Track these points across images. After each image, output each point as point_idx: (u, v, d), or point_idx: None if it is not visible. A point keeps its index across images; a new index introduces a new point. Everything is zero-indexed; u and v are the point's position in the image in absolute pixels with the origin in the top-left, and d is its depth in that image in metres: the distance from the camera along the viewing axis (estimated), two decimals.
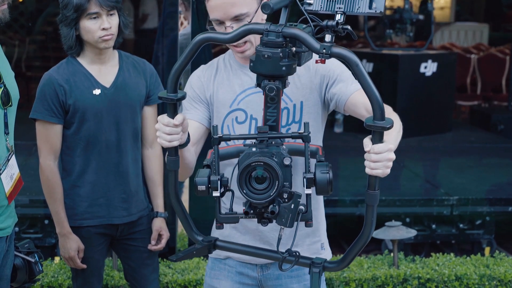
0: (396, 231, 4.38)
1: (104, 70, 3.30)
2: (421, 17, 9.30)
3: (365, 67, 8.49)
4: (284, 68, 1.86)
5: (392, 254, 4.49)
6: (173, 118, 2.06)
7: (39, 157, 3.30)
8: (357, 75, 1.82)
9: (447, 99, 8.79)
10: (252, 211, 1.93)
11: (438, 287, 4.26)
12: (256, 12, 2.40)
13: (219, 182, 1.93)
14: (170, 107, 2.04)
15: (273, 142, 1.95)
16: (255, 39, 2.41)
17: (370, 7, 1.82)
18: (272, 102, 2.02)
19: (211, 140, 2.01)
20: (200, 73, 2.61)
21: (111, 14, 3.19)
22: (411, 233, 4.45)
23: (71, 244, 3.32)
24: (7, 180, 2.70)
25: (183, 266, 4.26)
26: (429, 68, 8.50)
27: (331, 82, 2.46)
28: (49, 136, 3.27)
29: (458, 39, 14.67)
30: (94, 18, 3.16)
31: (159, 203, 3.49)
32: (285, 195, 1.89)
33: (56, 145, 3.29)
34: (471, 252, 5.34)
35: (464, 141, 8.28)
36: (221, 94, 2.54)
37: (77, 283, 3.46)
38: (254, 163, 1.83)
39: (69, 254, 3.32)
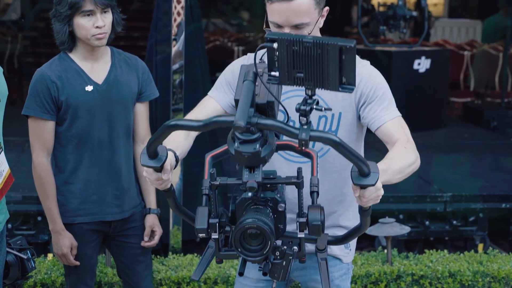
0: (390, 228, 4.38)
1: (97, 67, 3.29)
2: (414, 13, 9.29)
3: None
4: (266, 157, 1.84)
5: (385, 251, 4.49)
6: (160, 171, 2.06)
7: (31, 153, 3.29)
8: (342, 153, 1.82)
9: (440, 96, 8.80)
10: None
11: (432, 284, 4.26)
12: (316, 22, 2.39)
13: (217, 225, 1.95)
14: (156, 168, 2.05)
15: (268, 186, 1.95)
16: None
17: (340, 82, 1.78)
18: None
19: (210, 186, 2.00)
20: (247, 63, 2.55)
21: (105, 12, 3.18)
22: (405, 229, 4.45)
23: (64, 241, 3.31)
24: None
25: (177, 263, 4.25)
26: (422, 64, 8.50)
27: (369, 100, 2.45)
28: (42, 133, 3.26)
29: (451, 35, 14.68)
30: (88, 15, 3.15)
31: (151, 200, 3.49)
32: (277, 253, 1.95)
33: (49, 142, 3.28)
34: (464, 249, 5.35)
35: (457, 138, 8.29)
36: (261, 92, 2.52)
37: (70, 280, 3.45)
38: (248, 226, 1.85)
39: (62, 251, 3.31)
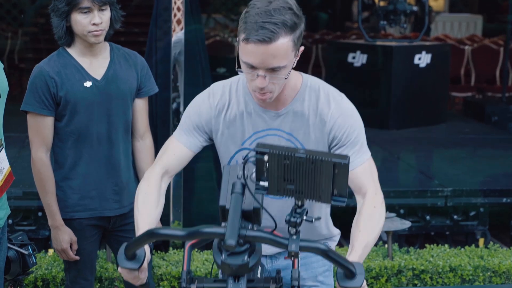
0: (390, 223, 4.38)
1: (95, 63, 3.28)
2: (415, 8, 9.28)
3: (360, 58, 8.51)
4: (253, 265, 1.81)
5: (386, 246, 4.49)
6: (137, 270, 2.03)
7: (31, 149, 3.28)
8: (329, 259, 1.82)
9: (441, 91, 8.79)
10: None
11: (433, 279, 4.26)
12: (293, 64, 2.29)
13: None
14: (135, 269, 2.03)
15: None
16: (281, 84, 2.29)
17: (332, 194, 1.77)
18: None
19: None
20: (212, 103, 2.45)
21: (102, 9, 3.18)
22: (405, 224, 4.45)
23: (64, 236, 3.31)
24: None
25: (177, 258, 4.25)
26: (423, 59, 8.49)
27: (340, 144, 2.39)
28: (41, 129, 3.25)
29: (452, 30, 14.67)
30: (85, 12, 3.14)
31: None
32: None
33: (48, 138, 3.27)
34: (465, 243, 5.35)
35: (458, 133, 8.28)
36: (231, 132, 2.45)
37: (70, 275, 3.45)
38: None
39: (62, 246, 3.31)
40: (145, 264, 2.03)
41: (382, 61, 8.49)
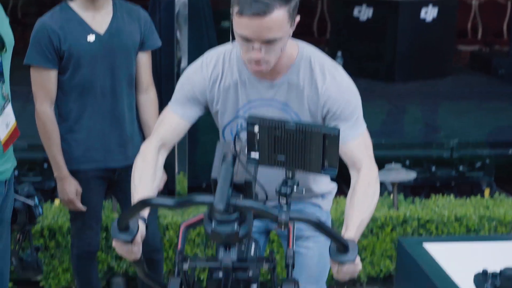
0: (396, 174, 4.38)
1: (98, 17, 3.27)
2: None
3: (365, 12, 8.43)
4: (243, 234, 1.79)
5: (391, 196, 4.50)
6: (131, 243, 2.02)
7: (35, 103, 3.29)
8: (320, 231, 1.80)
9: (447, 45, 8.72)
10: None
11: (438, 228, 4.27)
12: (289, 35, 2.26)
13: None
14: (127, 242, 2.02)
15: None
16: (277, 55, 2.25)
17: (323, 166, 1.77)
18: None
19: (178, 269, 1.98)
20: (206, 74, 2.42)
21: None
22: (411, 175, 4.45)
23: (70, 187, 3.32)
24: (2, 127, 2.69)
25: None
26: (429, 13, 8.41)
27: (334, 118, 2.36)
28: (44, 82, 3.25)
29: None
30: None
31: None
32: None
33: (52, 91, 3.27)
34: (470, 194, 5.34)
35: (465, 86, 8.24)
36: (226, 102, 2.43)
37: (76, 225, 3.47)
38: None
39: (68, 197, 3.33)
40: (138, 238, 2.02)
41: (388, 15, 8.40)
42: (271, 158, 1.80)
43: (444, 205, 4.41)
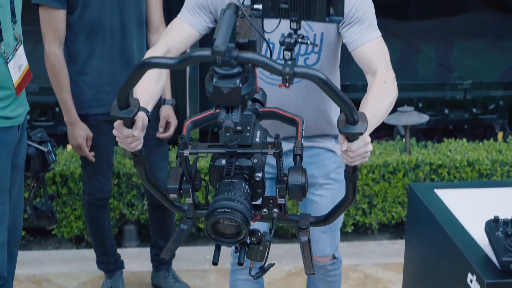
0: (408, 117, 4.35)
1: None
2: None
3: None
4: (246, 96, 1.70)
5: (404, 140, 4.48)
6: (131, 126, 1.94)
7: (44, 44, 3.26)
8: (325, 90, 1.70)
9: None
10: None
11: (450, 173, 4.26)
12: None
13: (191, 190, 1.85)
14: (127, 122, 1.93)
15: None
16: None
17: (328, 13, 1.66)
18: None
19: (179, 154, 1.86)
20: None
21: None
22: (424, 118, 4.42)
23: (79, 132, 3.32)
24: (14, 70, 2.67)
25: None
26: None
27: (348, 21, 2.33)
28: (53, 22, 3.22)
29: None
30: None
31: (166, 90, 3.45)
32: (254, 239, 1.85)
33: (61, 31, 3.24)
34: (483, 137, 5.31)
35: (479, 23, 8.11)
36: None
37: (86, 171, 3.47)
38: (220, 217, 1.74)
39: (77, 142, 3.32)
40: (140, 123, 1.95)
41: None
42: (275, 7, 1.71)
43: (456, 149, 4.39)
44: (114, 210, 4.08)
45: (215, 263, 1.86)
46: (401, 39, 7.18)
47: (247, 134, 1.87)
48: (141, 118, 1.97)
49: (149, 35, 3.41)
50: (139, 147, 1.98)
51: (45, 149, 3.05)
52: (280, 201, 1.85)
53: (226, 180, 1.79)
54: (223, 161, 1.81)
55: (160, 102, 3.45)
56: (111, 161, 3.53)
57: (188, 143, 1.85)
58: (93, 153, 3.37)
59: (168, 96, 3.46)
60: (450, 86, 5.58)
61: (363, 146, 1.87)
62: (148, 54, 2.35)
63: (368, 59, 2.28)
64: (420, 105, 5.48)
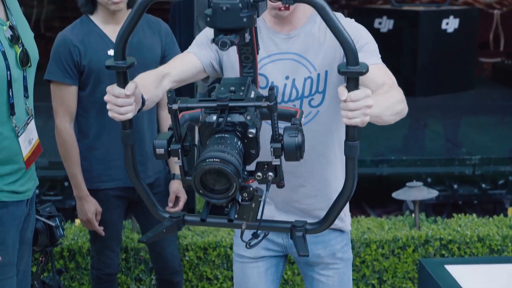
0: (418, 192, 4.33)
1: (118, 29, 3.25)
2: None
3: (386, 24, 8.40)
4: (245, 19, 1.68)
5: (413, 215, 4.45)
6: (123, 87, 1.91)
7: (55, 119, 3.27)
8: (325, 19, 1.69)
9: (469, 56, 8.67)
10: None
11: (460, 249, 4.22)
12: None
13: (180, 150, 1.78)
14: (120, 76, 1.90)
15: (237, 108, 1.77)
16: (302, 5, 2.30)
17: None
18: (247, 61, 1.92)
19: (168, 109, 1.81)
20: None
21: None
22: (433, 193, 4.40)
23: (89, 207, 3.31)
24: (25, 144, 2.68)
25: (203, 228, 4.24)
26: (450, 24, 8.37)
27: None
28: (64, 98, 3.24)
29: None
30: None
31: (175, 165, 3.46)
32: (245, 194, 1.76)
33: (72, 107, 3.26)
34: (493, 213, 5.28)
35: (487, 99, 8.18)
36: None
37: (95, 246, 3.45)
38: (208, 167, 1.65)
39: (87, 216, 3.31)
40: (133, 86, 1.91)
41: (409, 26, 8.37)
42: None
43: (466, 225, 4.36)
44: (121, 285, 4.04)
45: (203, 219, 1.77)
46: (408, 114, 7.20)
47: (241, 94, 1.79)
48: (135, 85, 1.93)
49: (159, 111, 3.43)
50: (129, 115, 1.92)
51: (53, 224, 3.04)
52: (275, 162, 1.77)
53: (217, 135, 1.72)
54: (214, 117, 1.74)
55: (170, 177, 3.45)
56: (120, 236, 3.51)
57: (178, 98, 1.79)
58: (102, 228, 3.36)
59: (177, 171, 3.47)
60: (458, 161, 5.59)
61: (364, 98, 1.80)
62: (148, 74, 2.30)
63: (374, 79, 2.23)
64: (429, 180, 5.48)
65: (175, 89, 2.18)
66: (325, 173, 2.53)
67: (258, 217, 1.81)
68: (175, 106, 1.77)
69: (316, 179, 2.52)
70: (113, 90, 1.92)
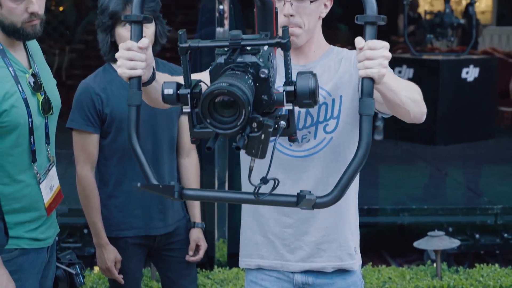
0: (439, 241, 4.30)
1: None
2: (462, 21, 9.17)
3: (406, 73, 8.42)
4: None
5: (435, 265, 4.41)
6: (137, 42, 1.89)
7: (76, 166, 3.28)
8: None
9: (489, 105, 8.66)
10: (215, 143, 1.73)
11: None
12: (320, 10, 2.37)
13: (189, 96, 1.73)
14: (135, 29, 1.87)
15: (248, 48, 1.72)
16: (308, 22, 2.35)
17: None
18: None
19: (179, 49, 1.75)
20: None
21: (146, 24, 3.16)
22: (455, 243, 4.36)
23: (108, 255, 3.29)
24: (46, 190, 2.69)
25: (222, 277, 4.23)
26: (470, 73, 8.38)
27: None
28: (86, 146, 3.25)
29: (500, 43, 14.47)
30: None
31: (196, 213, 3.45)
32: (255, 125, 1.65)
33: (93, 155, 3.27)
34: None
35: (507, 148, 8.14)
36: None
37: None
38: (217, 91, 1.59)
39: (106, 265, 3.30)
40: (147, 39, 1.89)
41: (429, 75, 8.38)
42: None
43: (489, 275, 4.31)
44: None
45: (209, 147, 1.71)
46: (429, 163, 7.20)
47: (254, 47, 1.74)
48: (149, 41, 1.91)
49: (179, 159, 3.43)
50: (138, 72, 1.89)
51: (73, 272, 3.03)
52: (287, 106, 1.71)
53: (227, 72, 1.67)
54: (224, 57, 1.69)
55: (190, 225, 3.44)
56: (139, 284, 3.49)
57: (189, 41, 1.75)
58: (121, 276, 3.34)
59: (197, 219, 3.46)
60: (480, 210, 5.55)
61: (382, 48, 1.79)
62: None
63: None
64: (451, 229, 5.44)
65: None
66: (336, 203, 2.49)
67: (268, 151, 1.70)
68: (185, 45, 1.74)
69: (328, 209, 2.47)
70: (125, 44, 1.90)
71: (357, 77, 2.37)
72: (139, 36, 1.90)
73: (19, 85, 2.59)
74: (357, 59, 1.81)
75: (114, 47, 3.21)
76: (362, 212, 5.43)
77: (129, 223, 3.31)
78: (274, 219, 2.49)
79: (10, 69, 2.59)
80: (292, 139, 1.76)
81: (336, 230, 2.48)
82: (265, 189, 1.72)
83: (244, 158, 2.51)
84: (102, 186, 3.32)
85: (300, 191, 1.78)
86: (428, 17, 9.22)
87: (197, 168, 3.47)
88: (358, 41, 1.80)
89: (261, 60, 1.69)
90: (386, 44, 1.80)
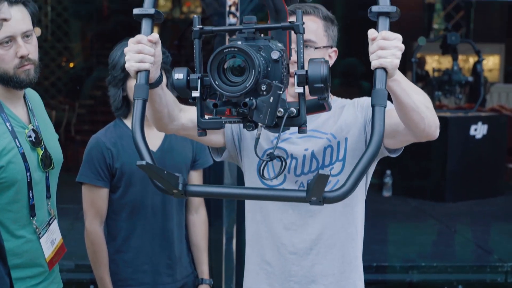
0: None
1: (151, 134, 3.28)
2: (470, 79, 9.21)
3: None
4: None
5: None
6: (150, 32, 1.87)
7: (84, 221, 3.27)
8: None
9: (498, 162, 8.66)
10: (225, 106, 1.71)
11: None
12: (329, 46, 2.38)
13: (199, 81, 1.69)
14: (146, 24, 1.84)
15: (261, 35, 1.72)
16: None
17: None
18: None
19: (192, 33, 1.75)
20: None
21: None
22: None
23: None
24: (47, 245, 2.67)
25: None
26: (479, 130, 8.39)
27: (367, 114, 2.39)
28: (95, 200, 3.25)
29: (508, 101, 14.51)
30: None
31: (204, 270, 3.43)
32: (264, 87, 1.63)
33: (102, 209, 3.26)
34: None
35: None
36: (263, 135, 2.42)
37: None
38: (227, 49, 1.59)
39: None
40: (156, 36, 1.85)
41: None
42: None
43: None
44: None
45: (216, 104, 1.71)
46: (438, 220, 7.17)
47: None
48: (158, 37, 1.88)
49: (188, 215, 3.43)
50: (146, 65, 1.86)
51: None
52: (298, 89, 1.68)
53: None
54: (239, 42, 1.67)
55: (198, 282, 3.42)
56: None
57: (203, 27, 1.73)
58: None
59: (205, 275, 3.43)
60: (490, 268, 5.50)
61: (396, 39, 1.77)
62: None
63: (392, 114, 2.15)
64: (460, 287, 5.38)
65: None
66: (344, 249, 2.45)
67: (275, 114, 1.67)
68: (199, 27, 1.72)
69: (335, 255, 2.44)
70: (135, 38, 1.88)
71: (362, 118, 2.39)
72: (149, 30, 1.88)
73: (16, 140, 2.57)
74: (369, 51, 1.79)
75: (126, 102, 3.24)
76: (370, 269, 5.43)
77: (137, 279, 3.29)
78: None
79: (7, 124, 2.57)
80: (302, 129, 1.73)
81: (343, 276, 2.45)
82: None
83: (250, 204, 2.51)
84: (111, 241, 3.31)
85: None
86: (436, 74, 9.27)
87: (206, 225, 3.46)
88: (371, 32, 1.79)
89: (273, 44, 1.70)
90: (399, 36, 1.79)
